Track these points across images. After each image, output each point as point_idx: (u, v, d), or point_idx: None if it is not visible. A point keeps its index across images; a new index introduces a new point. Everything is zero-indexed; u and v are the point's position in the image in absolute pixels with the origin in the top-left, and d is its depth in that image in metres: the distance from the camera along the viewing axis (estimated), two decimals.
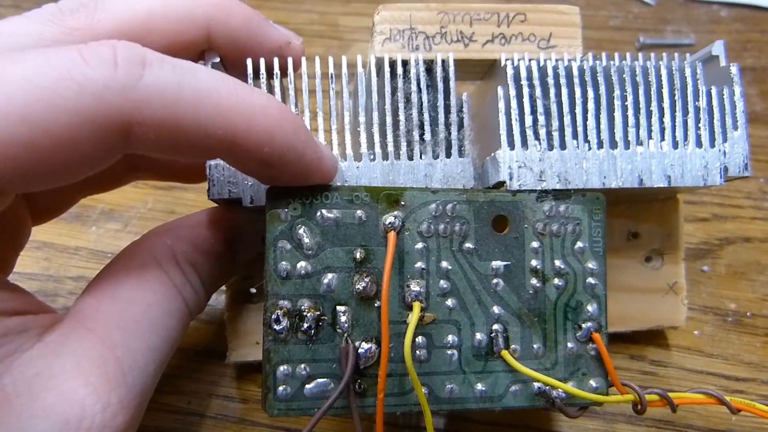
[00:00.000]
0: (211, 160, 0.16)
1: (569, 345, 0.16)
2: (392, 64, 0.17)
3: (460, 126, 0.17)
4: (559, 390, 0.16)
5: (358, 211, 0.16)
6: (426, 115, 0.17)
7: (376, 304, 0.15)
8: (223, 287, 0.21)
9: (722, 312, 0.24)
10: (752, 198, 0.28)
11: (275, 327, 0.15)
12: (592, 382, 0.16)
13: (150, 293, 0.15)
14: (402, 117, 0.17)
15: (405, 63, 0.17)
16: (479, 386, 0.16)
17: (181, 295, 0.16)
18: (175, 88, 0.13)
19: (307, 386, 0.15)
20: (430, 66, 0.18)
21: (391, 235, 0.15)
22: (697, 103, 0.18)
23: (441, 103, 0.17)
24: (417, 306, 0.15)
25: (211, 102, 0.13)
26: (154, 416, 0.20)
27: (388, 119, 0.17)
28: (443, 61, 0.18)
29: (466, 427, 0.20)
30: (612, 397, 0.16)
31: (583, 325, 0.16)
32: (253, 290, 0.20)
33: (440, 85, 0.17)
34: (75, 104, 0.12)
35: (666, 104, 0.18)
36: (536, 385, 0.16)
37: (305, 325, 0.15)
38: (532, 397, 0.16)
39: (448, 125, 0.17)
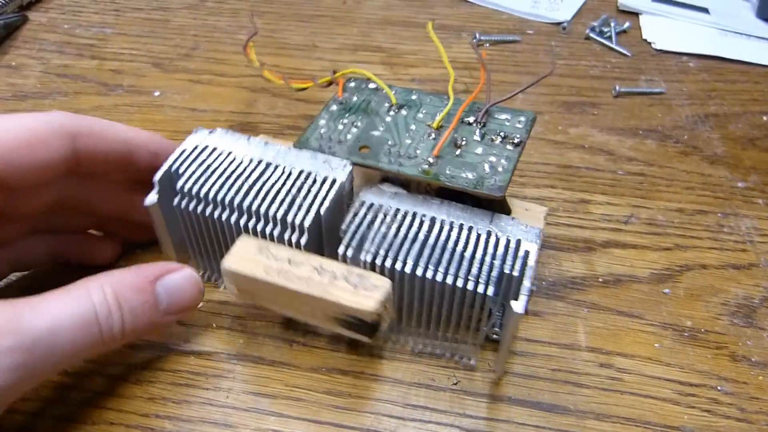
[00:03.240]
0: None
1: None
2: None
3: None
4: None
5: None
6: None
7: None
8: None
9: (680, 328, 0.27)
10: (710, 230, 0.32)
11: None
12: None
13: (73, 305, 0.20)
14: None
15: None
16: None
17: (98, 321, 0.21)
18: (98, 124, 0.25)
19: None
20: None
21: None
22: None
23: None
24: None
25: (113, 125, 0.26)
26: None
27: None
28: None
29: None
30: None
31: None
32: None
33: None
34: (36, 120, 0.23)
35: None
36: None
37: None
38: None
39: None
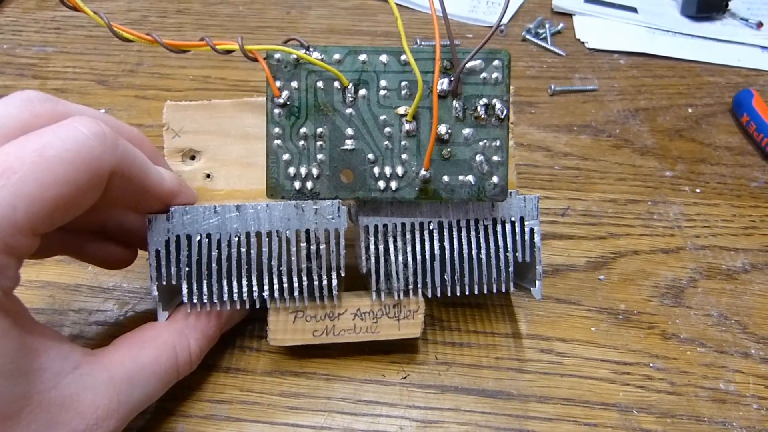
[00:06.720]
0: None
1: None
2: None
3: None
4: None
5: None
6: None
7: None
8: None
9: (614, 311, 0.29)
10: (641, 218, 0.34)
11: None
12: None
13: (158, 367, 0.23)
14: None
15: None
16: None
17: (178, 371, 0.23)
18: (132, 153, 0.21)
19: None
20: None
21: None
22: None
23: None
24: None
25: (144, 164, 0.21)
26: None
27: None
28: None
29: None
30: None
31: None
32: None
33: None
34: (87, 166, 0.18)
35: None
36: None
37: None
38: None
39: None
